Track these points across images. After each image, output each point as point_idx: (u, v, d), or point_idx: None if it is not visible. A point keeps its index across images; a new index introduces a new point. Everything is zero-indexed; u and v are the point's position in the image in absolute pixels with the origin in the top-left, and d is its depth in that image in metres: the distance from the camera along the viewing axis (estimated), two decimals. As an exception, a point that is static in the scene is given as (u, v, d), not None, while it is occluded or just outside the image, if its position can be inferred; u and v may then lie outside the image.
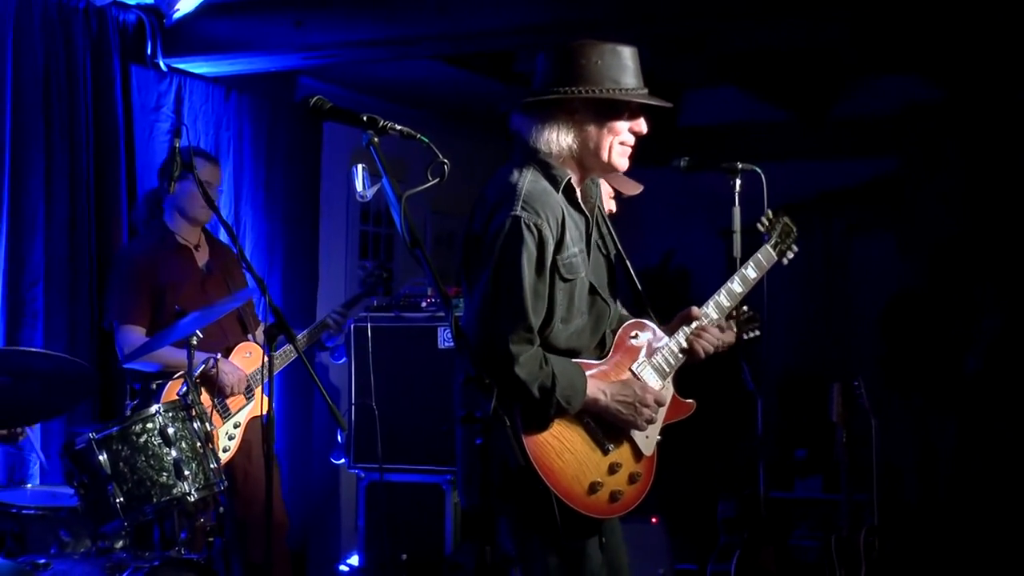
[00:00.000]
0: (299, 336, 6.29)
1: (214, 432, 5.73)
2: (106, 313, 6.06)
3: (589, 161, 3.92)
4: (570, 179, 3.86)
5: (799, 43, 8.12)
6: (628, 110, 3.90)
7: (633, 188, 5.24)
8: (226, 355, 5.90)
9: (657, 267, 9.38)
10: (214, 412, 5.82)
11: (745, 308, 5.53)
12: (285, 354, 6.02)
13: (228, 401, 5.89)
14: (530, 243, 3.69)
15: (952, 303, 8.80)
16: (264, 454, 5.71)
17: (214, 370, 5.75)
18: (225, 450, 5.85)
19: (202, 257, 6.11)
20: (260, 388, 5.99)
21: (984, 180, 8.88)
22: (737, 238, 4.62)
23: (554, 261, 3.75)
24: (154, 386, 5.66)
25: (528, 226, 3.69)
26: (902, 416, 8.69)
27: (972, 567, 8.01)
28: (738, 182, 4.73)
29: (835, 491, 7.05)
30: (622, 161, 3.95)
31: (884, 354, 9.05)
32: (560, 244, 3.77)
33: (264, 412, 6.22)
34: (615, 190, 5.19)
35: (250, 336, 6.12)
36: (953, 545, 8.19)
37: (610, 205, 5.20)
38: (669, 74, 8.83)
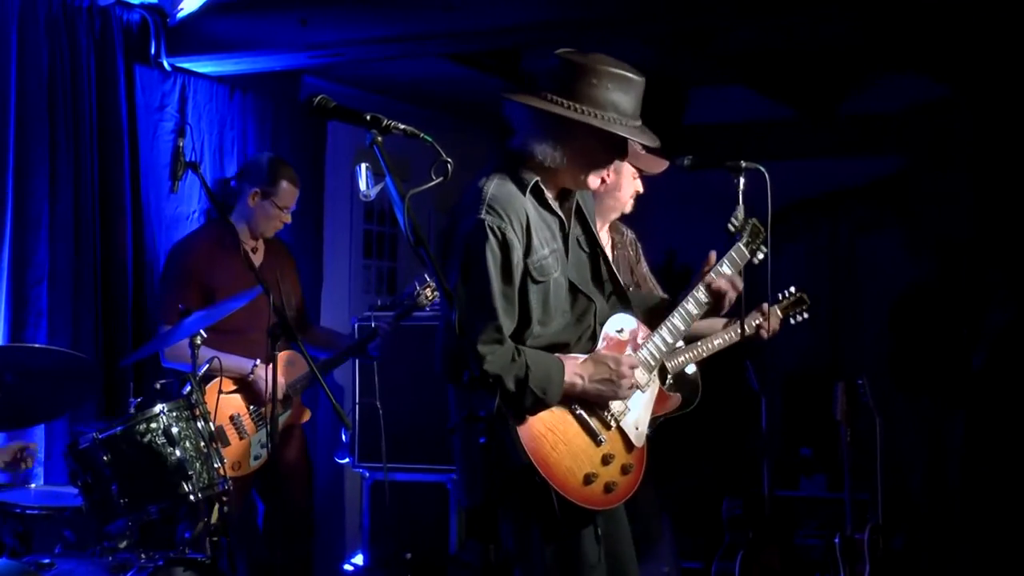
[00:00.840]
0: (349, 345, 6.27)
1: (245, 440, 5.77)
2: (156, 309, 6.08)
3: (564, 177, 3.94)
4: (537, 181, 3.87)
5: (805, 41, 8.11)
6: (621, 144, 3.93)
7: (657, 165, 5.23)
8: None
9: (662, 266, 9.40)
10: (248, 419, 5.84)
11: (792, 289, 5.58)
12: (322, 367, 6.00)
13: (263, 409, 5.88)
14: (494, 245, 3.72)
15: (960, 300, 8.80)
16: (270, 455, 5.75)
17: (251, 376, 5.76)
18: (256, 458, 5.84)
19: (257, 259, 6.11)
20: (298, 397, 6.00)
21: (991, 178, 8.87)
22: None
23: (525, 265, 3.79)
24: (158, 386, 5.65)
25: (492, 229, 3.72)
26: (907, 414, 8.68)
27: (978, 565, 8.01)
28: (742, 180, 4.72)
29: (840, 490, 7.05)
30: (595, 183, 4.00)
31: (891, 352, 9.05)
32: (529, 247, 3.80)
33: (303, 420, 6.29)
34: (638, 169, 5.18)
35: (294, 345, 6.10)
36: (959, 543, 8.18)
37: (637, 186, 5.20)
38: (674, 72, 8.84)
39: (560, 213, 3.95)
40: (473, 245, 3.73)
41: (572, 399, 3.84)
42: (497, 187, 3.80)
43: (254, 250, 6.13)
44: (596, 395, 3.87)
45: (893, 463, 7.45)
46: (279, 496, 6.00)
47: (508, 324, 3.74)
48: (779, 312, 5.55)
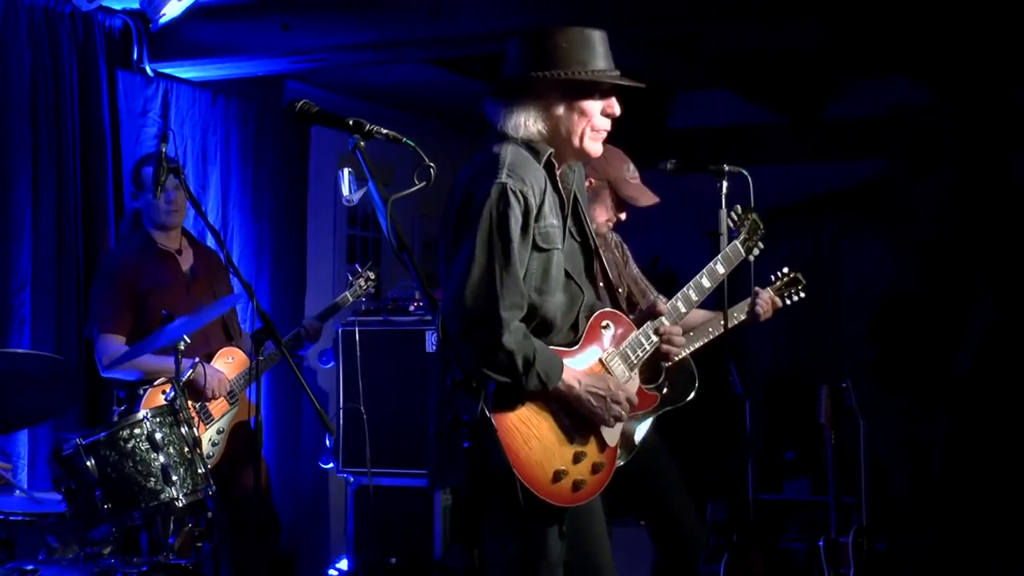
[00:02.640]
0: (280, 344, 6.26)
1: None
2: (87, 321, 6.04)
3: (561, 147, 3.90)
4: (551, 154, 3.85)
5: (789, 45, 8.13)
6: (599, 92, 3.88)
7: (649, 199, 5.26)
8: (208, 360, 5.88)
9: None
10: (195, 417, 5.82)
11: (786, 270, 5.58)
12: (269, 358, 6.01)
13: (210, 406, 5.87)
14: (517, 209, 3.69)
15: (943, 304, 8.82)
16: (253, 458, 5.74)
17: (192, 375, 5.73)
18: (209, 456, 5.82)
19: (186, 261, 6.08)
20: (244, 393, 5.98)
21: (973, 182, 8.90)
22: (724, 240, 4.63)
23: (532, 229, 3.75)
24: (141, 391, 5.65)
25: (514, 192, 3.69)
26: (891, 417, 8.70)
27: (962, 567, 8.03)
28: (724, 184, 4.74)
29: (824, 493, 7.04)
30: (595, 146, 3.94)
31: (875, 356, 9.07)
32: (540, 212, 3.77)
33: (251, 415, 6.27)
34: (626, 201, 5.21)
35: (233, 341, 6.09)
36: (941, 545, 8.20)
37: (618, 216, 5.21)
38: (660, 76, 8.86)
39: (563, 193, 3.93)
40: (496, 209, 3.68)
41: (560, 400, 3.83)
42: (514, 153, 3.77)
43: (180, 252, 6.07)
44: (585, 406, 3.84)
45: (877, 466, 7.46)
46: (234, 495, 5.97)
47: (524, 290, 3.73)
48: (772, 293, 5.55)
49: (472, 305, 3.64)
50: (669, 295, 4.36)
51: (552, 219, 3.82)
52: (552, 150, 3.86)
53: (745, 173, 4.75)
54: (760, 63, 8.53)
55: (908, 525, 8.34)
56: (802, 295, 5.62)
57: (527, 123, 3.85)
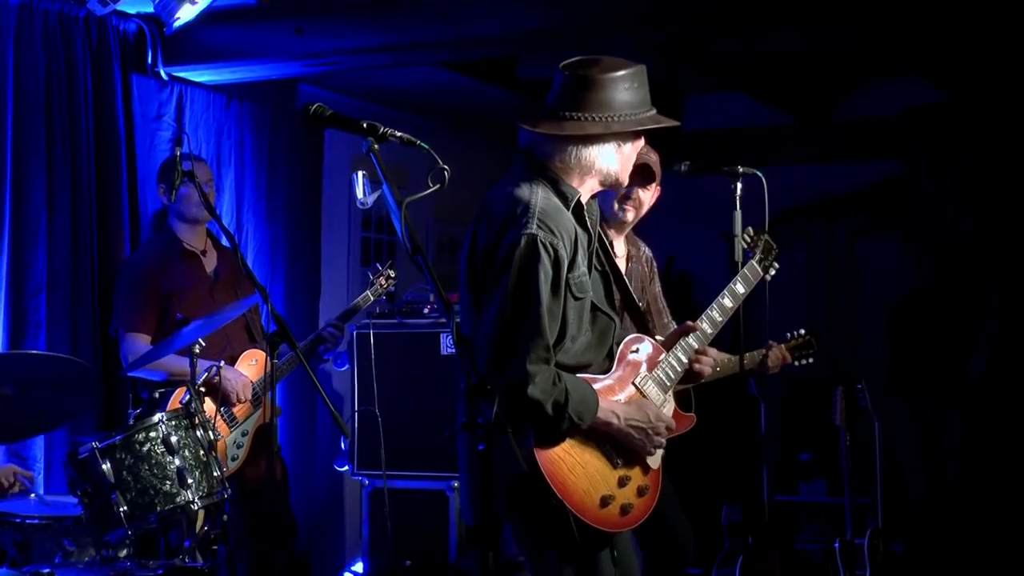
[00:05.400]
0: (300, 349, 6.27)
1: (221, 441, 5.75)
2: (112, 320, 6.06)
3: (612, 181, 3.93)
4: (579, 197, 3.85)
5: (802, 47, 8.12)
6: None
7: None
8: (231, 363, 5.89)
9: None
10: (220, 420, 5.82)
11: (802, 331, 5.67)
12: (289, 363, 6.01)
13: (235, 409, 5.87)
14: (546, 262, 3.65)
15: (958, 306, 8.81)
16: (267, 459, 5.76)
17: (216, 378, 5.74)
18: (233, 459, 5.84)
19: (210, 263, 6.11)
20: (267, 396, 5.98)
21: (988, 182, 8.88)
22: (738, 242, 4.63)
23: (566, 280, 3.73)
24: (157, 395, 5.65)
25: (544, 245, 3.65)
26: (906, 418, 8.68)
27: (978, 569, 8.01)
28: (739, 186, 4.74)
29: (839, 494, 7.04)
30: (626, 179, 3.99)
31: (889, 357, 9.05)
32: (572, 262, 3.75)
33: (266, 419, 6.28)
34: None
35: (256, 344, 6.10)
36: (957, 547, 8.18)
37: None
38: (672, 78, 8.86)
39: (590, 229, 3.92)
40: (524, 261, 3.64)
41: (600, 435, 3.82)
42: (544, 200, 3.74)
43: (204, 253, 6.11)
44: (625, 438, 3.84)
45: (893, 467, 7.45)
46: (256, 496, 5.98)
47: (552, 341, 3.70)
48: (786, 351, 5.63)
49: (500, 359, 3.63)
50: (685, 296, 4.35)
51: (584, 267, 3.81)
52: (580, 194, 3.84)
53: (759, 175, 4.76)
54: (772, 65, 8.52)
55: (924, 526, 8.32)
56: (811, 360, 5.72)
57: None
